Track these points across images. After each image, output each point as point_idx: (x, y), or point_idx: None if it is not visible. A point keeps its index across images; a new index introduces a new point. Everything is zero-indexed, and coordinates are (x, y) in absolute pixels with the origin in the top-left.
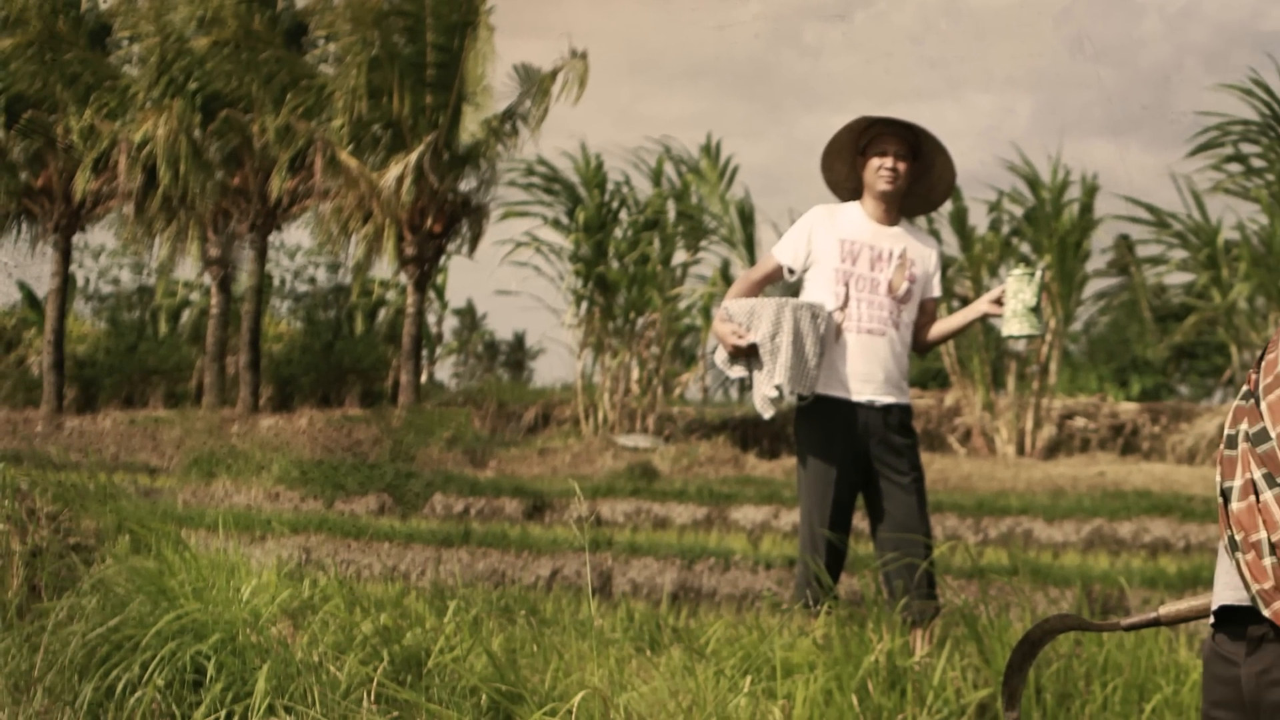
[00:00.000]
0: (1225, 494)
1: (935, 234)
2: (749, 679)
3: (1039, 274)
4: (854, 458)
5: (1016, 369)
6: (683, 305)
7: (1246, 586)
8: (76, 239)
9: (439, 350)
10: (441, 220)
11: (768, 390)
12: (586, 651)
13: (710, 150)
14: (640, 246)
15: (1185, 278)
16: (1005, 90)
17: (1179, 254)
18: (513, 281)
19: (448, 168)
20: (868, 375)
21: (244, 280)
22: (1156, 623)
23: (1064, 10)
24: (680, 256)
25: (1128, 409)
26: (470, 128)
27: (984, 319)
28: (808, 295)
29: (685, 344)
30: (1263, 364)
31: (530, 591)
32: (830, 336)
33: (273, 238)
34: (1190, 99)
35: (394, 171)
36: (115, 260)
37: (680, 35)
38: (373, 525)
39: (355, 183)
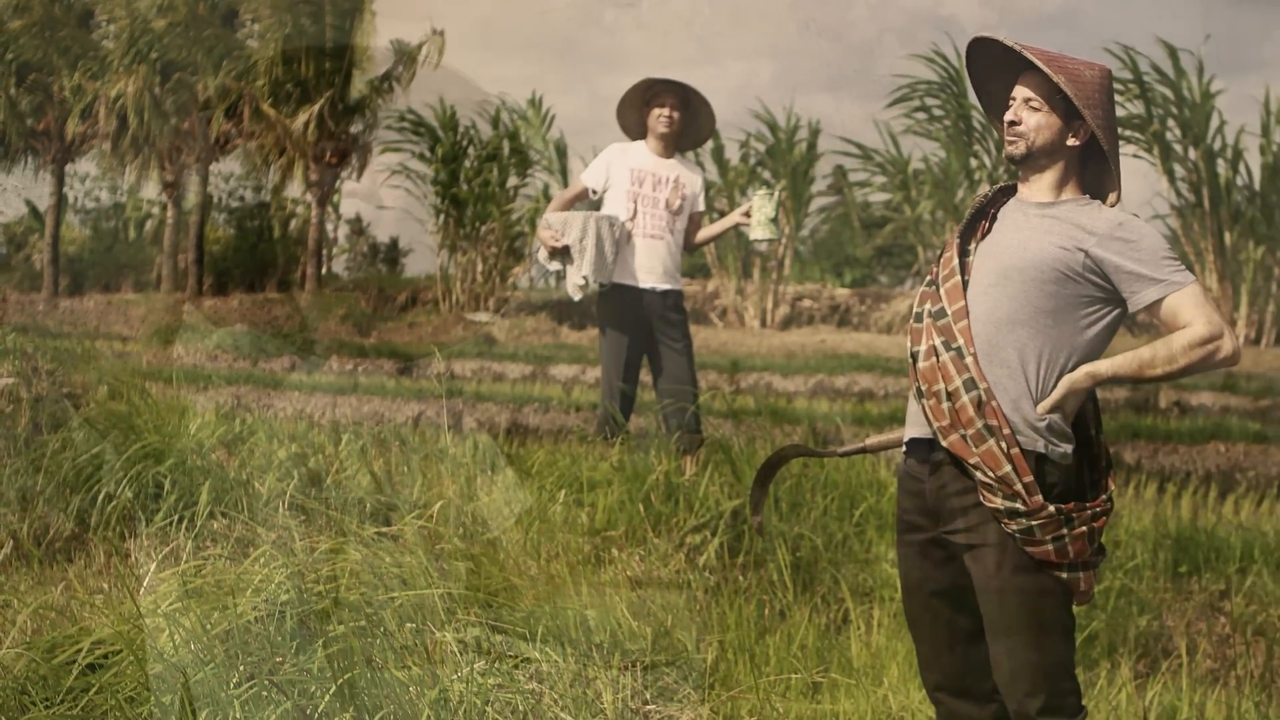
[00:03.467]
0: (914, 356)
1: (700, 164)
2: (563, 492)
3: (777, 194)
4: (641, 329)
5: (761, 264)
6: (514, 217)
7: (929, 424)
8: (68, 168)
9: (335, 250)
10: (337, 154)
11: (577, 279)
12: (444, 472)
13: (535, 103)
14: (483, 174)
15: (884, 197)
16: (753, 58)
17: (880, 179)
18: (389, 199)
19: (341, 115)
20: (650, 268)
21: (191, 199)
22: (864, 450)
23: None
24: (513, 181)
25: (842, 294)
26: (358, 86)
27: (736, 227)
28: (607, 209)
29: (517, 245)
30: (941, 260)
31: (402, 428)
32: (623, 240)
33: (213, 167)
34: (889, 65)
35: (302, 118)
36: (97, 184)
37: (514, 18)
38: (286, 379)
39: (273, 127)
